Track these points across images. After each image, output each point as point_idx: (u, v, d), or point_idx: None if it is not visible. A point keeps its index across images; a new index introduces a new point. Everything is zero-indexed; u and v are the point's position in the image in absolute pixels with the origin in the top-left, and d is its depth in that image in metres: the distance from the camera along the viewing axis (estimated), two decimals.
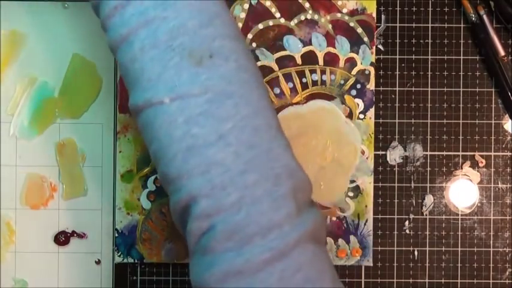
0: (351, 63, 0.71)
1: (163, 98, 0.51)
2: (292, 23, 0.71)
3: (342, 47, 0.71)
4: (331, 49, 0.71)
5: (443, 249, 0.71)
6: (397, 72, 0.71)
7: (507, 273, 0.71)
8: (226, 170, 0.50)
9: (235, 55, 0.53)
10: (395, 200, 0.71)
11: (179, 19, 0.52)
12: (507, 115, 0.71)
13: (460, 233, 0.71)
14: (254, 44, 0.70)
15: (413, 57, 0.71)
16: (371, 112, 0.70)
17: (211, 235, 0.50)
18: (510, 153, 0.71)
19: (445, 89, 0.71)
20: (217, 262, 0.50)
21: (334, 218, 0.70)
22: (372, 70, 0.70)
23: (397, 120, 0.71)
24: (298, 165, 0.53)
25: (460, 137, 0.71)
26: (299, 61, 0.71)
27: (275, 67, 0.70)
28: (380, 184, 0.71)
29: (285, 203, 0.51)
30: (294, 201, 0.51)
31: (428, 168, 0.71)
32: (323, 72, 0.71)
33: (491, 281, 0.71)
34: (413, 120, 0.71)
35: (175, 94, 0.51)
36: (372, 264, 0.70)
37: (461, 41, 0.71)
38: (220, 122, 0.51)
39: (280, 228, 0.50)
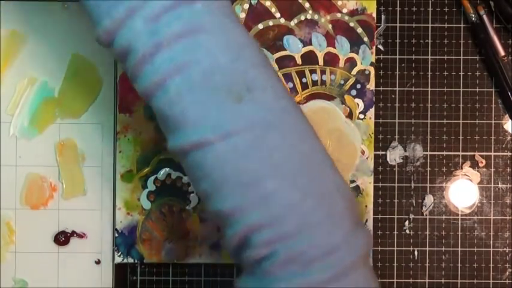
0: (351, 63, 0.71)
1: (211, 138, 0.51)
2: (292, 23, 0.71)
3: (342, 47, 0.71)
4: (331, 49, 0.71)
5: (443, 249, 0.71)
6: (397, 72, 0.71)
7: (507, 273, 0.71)
8: (283, 200, 0.50)
9: (270, 82, 0.53)
10: (395, 200, 0.71)
11: (210, 58, 0.51)
12: (507, 115, 0.71)
13: (460, 233, 0.71)
14: None
15: (413, 57, 0.71)
16: (371, 112, 0.70)
17: (273, 260, 0.50)
18: (510, 153, 0.71)
19: (445, 89, 0.71)
20: (278, 283, 0.50)
21: None
22: (372, 70, 0.70)
23: (397, 120, 0.71)
24: (345, 183, 0.54)
25: (460, 137, 0.71)
26: (299, 61, 0.71)
27: (275, 67, 0.70)
28: (380, 184, 0.71)
29: (342, 223, 0.52)
30: (348, 221, 0.52)
31: (428, 168, 0.71)
32: (323, 72, 0.71)
33: (491, 281, 0.71)
34: (413, 120, 0.71)
35: (223, 133, 0.51)
36: (371, 264, 0.70)
37: (461, 41, 0.71)
38: (271, 154, 0.51)
39: (338, 249, 0.51)
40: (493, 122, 0.71)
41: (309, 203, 0.51)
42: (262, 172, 0.51)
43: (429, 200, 0.71)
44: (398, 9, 0.71)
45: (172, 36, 0.51)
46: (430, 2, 0.71)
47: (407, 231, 0.71)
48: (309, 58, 0.71)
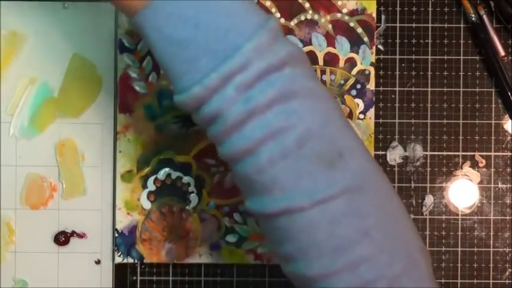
0: (351, 63, 0.71)
1: (302, 204, 0.50)
2: (292, 23, 0.71)
3: (342, 47, 0.71)
4: (331, 49, 0.71)
5: (443, 249, 0.71)
6: (397, 72, 0.71)
7: (507, 273, 0.71)
8: (374, 264, 0.50)
9: (356, 146, 0.53)
10: None
11: (303, 125, 0.51)
12: (507, 115, 0.71)
13: (460, 233, 0.71)
14: None
15: (413, 57, 0.71)
16: (371, 112, 0.70)
17: None
18: (510, 153, 0.71)
19: (445, 89, 0.71)
20: None
21: None
22: (372, 70, 0.70)
23: (397, 120, 0.71)
24: (421, 238, 0.55)
25: (460, 137, 0.71)
26: None
27: None
28: None
29: (426, 284, 0.52)
30: (431, 282, 0.53)
31: (428, 168, 0.71)
32: (323, 72, 0.71)
33: (491, 281, 0.71)
34: (413, 120, 0.71)
35: (315, 200, 0.50)
36: None
37: (461, 41, 0.71)
38: (362, 219, 0.51)
39: None
40: (493, 122, 0.71)
41: (398, 267, 0.51)
42: (353, 238, 0.50)
43: (429, 200, 0.71)
44: (398, 9, 0.71)
45: (266, 103, 0.50)
46: (430, 2, 0.71)
47: None
48: (309, 58, 0.70)
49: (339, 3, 0.70)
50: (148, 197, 0.71)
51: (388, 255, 0.51)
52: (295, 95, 0.51)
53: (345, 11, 0.70)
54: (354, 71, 0.71)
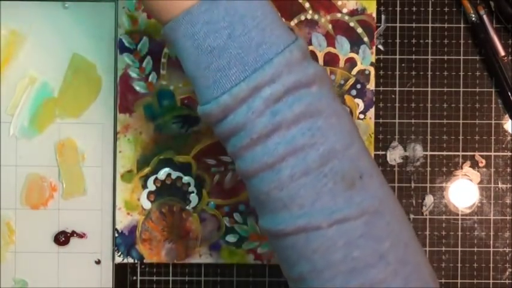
0: (351, 63, 0.71)
1: (320, 223, 0.50)
2: (292, 23, 0.71)
3: (342, 47, 0.71)
4: (331, 49, 0.71)
5: (443, 249, 0.71)
6: (397, 72, 0.71)
7: (507, 273, 0.71)
8: None
9: (374, 169, 0.53)
10: None
11: (327, 144, 0.51)
12: (507, 115, 0.71)
13: (460, 233, 0.71)
14: None
15: (413, 57, 0.71)
16: (371, 112, 0.70)
17: None
18: (510, 153, 0.71)
19: (445, 89, 0.71)
20: None
21: None
22: (372, 70, 0.70)
23: (397, 120, 0.71)
24: (432, 267, 0.55)
25: (460, 137, 0.71)
26: None
27: None
28: None
29: None
30: None
31: (428, 168, 0.71)
32: None
33: (491, 281, 0.71)
34: (413, 120, 0.71)
35: (333, 219, 0.50)
36: None
37: (461, 41, 0.71)
38: (379, 242, 0.51)
39: None
40: (493, 122, 0.71)
41: None
42: (369, 260, 0.50)
43: (429, 200, 0.71)
44: (398, 9, 0.71)
45: (292, 118, 0.50)
46: (430, 2, 0.71)
47: None
48: None
49: (339, 3, 0.70)
50: (148, 197, 0.71)
51: (402, 280, 0.51)
52: (321, 113, 0.51)
53: (345, 11, 0.70)
54: (354, 71, 0.71)
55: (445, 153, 0.71)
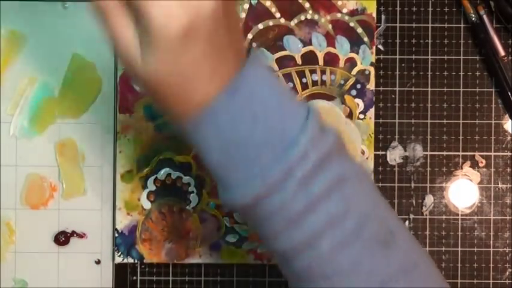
0: (351, 63, 0.71)
1: (365, 287, 0.50)
2: (292, 23, 0.71)
3: (342, 47, 0.71)
4: (331, 49, 0.71)
5: (443, 249, 0.71)
6: (397, 72, 0.71)
7: (507, 273, 0.71)
8: None
9: (401, 224, 0.53)
10: (395, 200, 0.71)
11: (359, 208, 0.50)
12: (507, 115, 0.71)
13: (460, 233, 0.71)
14: (254, 44, 0.70)
15: (413, 57, 0.71)
16: (371, 112, 0.70)
17: None
18: (510, 153, 0.71)
19: (445, 89, 0.71)
20: None
21: None
22: (372, 70, 0.70)
23: (397, 120, 0.71)
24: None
25: (460, 137, 0.71)
26: (299, 61, 0.71)
27: (275, 67, 0.70)
28: (380, 184, 0.71)
29: None
30: None
31: (428, 168, 0.71)
32: (323, 72, 0.71)
33: (491, 281, 0.71)
34: (413, 120, 0.71)
35: (378, 281, 0.50)
36: None
37: (461, 41, 0.71)
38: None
39: None
40: (493, 122, 0.71)
41: None
42: None
43: (429, 200, 0.71)
44: (398, 9, 0.71)
45: (324, 193, 0.48)
46: (430, 2, 0.71)
47: None
48: (309, 58, 0.71)
49: (339, 3, 0.70)
50: (148, 197, 0.71)
51: None
52: (346, 180, 0.50)
53: (345, 11, 0.70)
54: (354, 71, 0.71)
55: (445, 153, 0.71)
